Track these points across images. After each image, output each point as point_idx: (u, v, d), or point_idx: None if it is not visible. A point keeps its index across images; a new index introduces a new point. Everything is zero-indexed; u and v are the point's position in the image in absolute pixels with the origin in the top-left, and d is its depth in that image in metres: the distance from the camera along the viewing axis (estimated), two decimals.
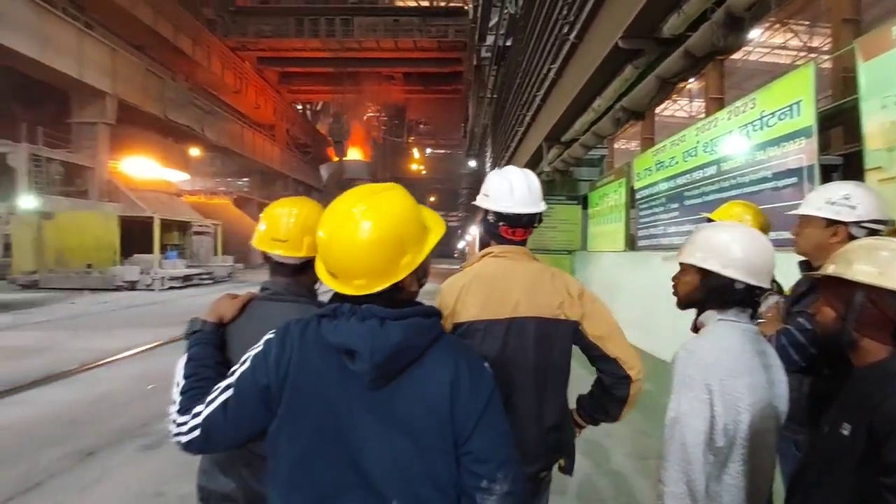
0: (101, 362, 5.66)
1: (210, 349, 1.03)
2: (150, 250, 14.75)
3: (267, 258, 1.20)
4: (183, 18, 23.89)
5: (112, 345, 6.50)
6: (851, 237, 1.38)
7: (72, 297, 11.86)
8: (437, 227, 0.92)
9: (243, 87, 30.27)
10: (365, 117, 46.38)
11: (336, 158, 42.23)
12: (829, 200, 1.43)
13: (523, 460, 1.11)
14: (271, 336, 0.90)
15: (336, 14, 31.59)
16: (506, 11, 11.68)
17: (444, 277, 1.42)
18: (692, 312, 1.24)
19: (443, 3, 35.09)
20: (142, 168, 22.17)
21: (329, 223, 0.85)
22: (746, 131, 4.10)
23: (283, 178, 35.79)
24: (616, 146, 18.84)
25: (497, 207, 1.39)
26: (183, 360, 1.00)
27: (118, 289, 13.54)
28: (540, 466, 1.33)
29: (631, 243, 6.76)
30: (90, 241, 14.03)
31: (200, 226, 19.13)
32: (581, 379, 1.41)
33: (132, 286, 13.68)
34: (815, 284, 1.47)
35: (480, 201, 1.44)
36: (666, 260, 1.37)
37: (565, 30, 5.46)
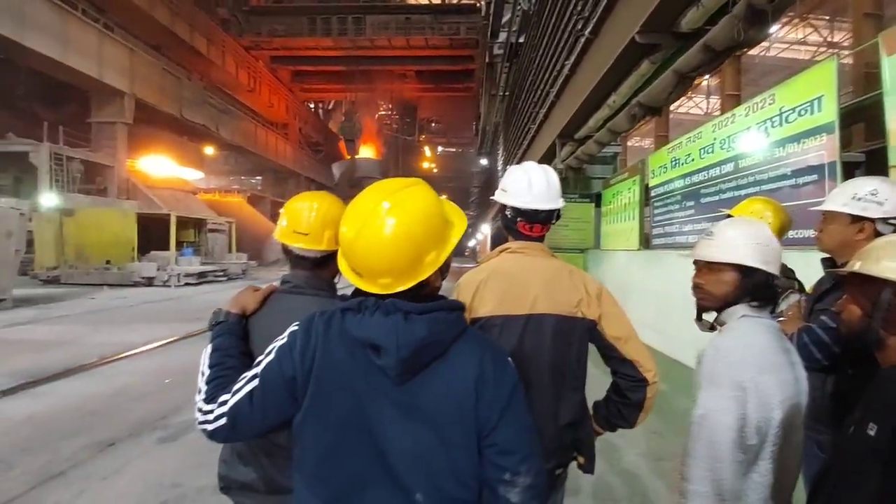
0: (120, 356, 5.78)
1: (234, 340, 1.05)
2: (166, 247, 15.01)
3: (287, 252, 1.21)
4: (198, 19, 24.20)
5: (130, 339, 6.63)
6: (877, 234, 1.35)
7: (91, 293, 12.13)
8: (459, 221, 0.91)
9: (257, 86, 30.58)
10: (376, 116, 46.53)
11: (348, 157, 42.45)
12: (856, 196, 1.40)
13: None
14: (296, 328, 0.90)
15: (348, 13, 31.74)
16: (519, 8, 11.62)
17: (456, 276, 1.42)
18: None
19: (454, 1, 35.03)
20: (158, 166, 22.59)
21: (353, 220, 0.84)
22: (765, 127, 4.03)
23: (295, 177, 36.11)
24: (629, 144, 18.64)
25: (515, 203, 1.38)
26: (208, 349, 1.02)
27: (136, 285, 13.80)
28: (555, 463, 1.33)
29: (645, 242, 6.69)
30: (109, 237, 14.32)
31: (215, 223, 19.39)
32: (594, 378, 1.40)
33: (149, 282, 13.93)
34: (840, 282, 1.44)
35: (498, 196, 1.44)
36: (685, 258, 1.35)
37: (579, 25, 5.40)
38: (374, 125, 45.28)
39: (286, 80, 35.22)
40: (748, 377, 1.00)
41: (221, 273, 17.07)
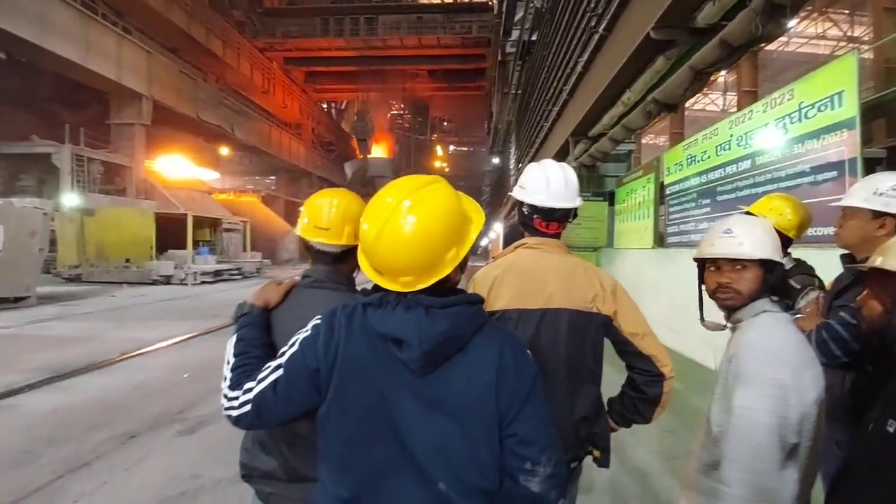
0: (140, 352, 5.91)
1: (258, 331, 1.08)
2: (183, 246, 15.28)
3: (308, 248, 1.24)
4: (214, 21, 24.56)
5: (150, 335, 6.78)
6: None
7: (111, 290, 12.41)
8: (477, 217, 0.93)
9: (271, 87, 30.93)
10: (388, 115, 46.70)
11: (360, 156, 42.69)
12: (877, 191, 1.39)
13: None
14: (319, 321, 0.93)
15: (361, 13, 31.90)
16: (531, 5, 11.57)
17: (467, 275, 1.44)
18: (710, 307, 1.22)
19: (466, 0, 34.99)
20: (175, 167, 23.00)
21: (374, 219, 0.85)
22: (783, 124, 3.97)
23: (308, 177, 36.42)
24: (643, 141, 18.43)
25: (532, 200, 1.40)
26: (233, 339, 1.05)
27: (154, 283, 14.08)
28: (570, 456, 1.33)
29: (660, 240, 6.62)
30: (128, 236, 14.63)
31: (230, 223, 19.68)
32: (606, 375, 1.41)
33: (167, 280, 14.19)
34: (860, 278, 1.43)
35: (516, 193, 1.45)
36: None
37: (593, 22, 5.37)
38: (386, 125, 45.46)
39: (299, 80, 35.54)
40: (787, 374, 0.99)
41: (236, 271, 17.32)
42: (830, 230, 2.10)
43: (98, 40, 17.00)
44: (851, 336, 1.34)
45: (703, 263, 1.23)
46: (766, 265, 1.12)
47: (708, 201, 5.37)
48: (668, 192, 6.42)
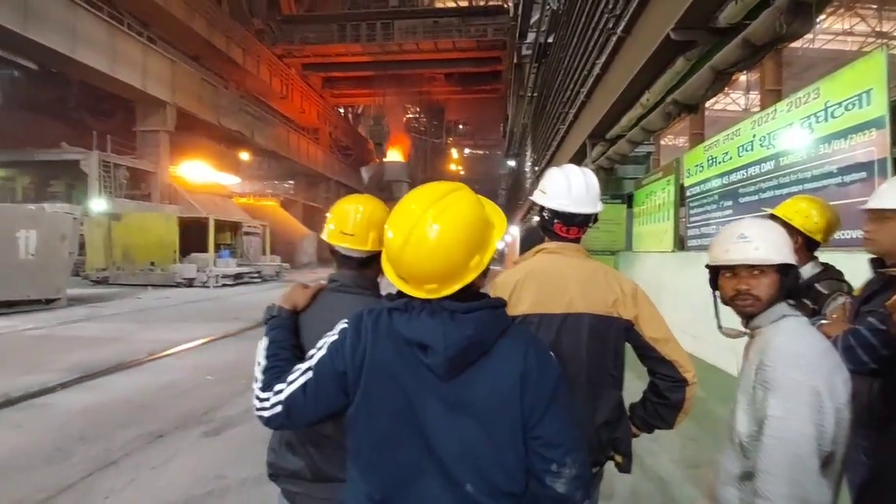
0: (166, 353, 6.07)
1: (286, 333, 1.11)
2: (205, 249, 15.62)
3: (334, 253, 1.27)
4: (235, 30, 25.12)
5: (174, 337, 6.96)
6: None
7: (137, 293, 12.77)
8: (500, 222, 0.94)
9: (289, 92, 31.45)
10: (404, 119, 47.00)
11: (376, 160, 43.06)
12: None
13: None
14: (345, 325, 0.95)
15: (377, 18, 32.21)
16: (548, 8, 11.53)
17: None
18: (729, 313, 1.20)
19: (482, 3, 35.02)
20: (198, 172, 23.59)
21: (398, 228, 0.86)
22: (809, 123, 3.88)
23: (325, 181, 36.88)
24: (662, 142, 18.14)
25: (553, 205, 1.41)
26: (263, 342, 1.08)
27: (177, 285, 14.42)
28: (591, 461, 1.33)
29: (680, 243, 6.52)
30: (153, 240, 15.03)
31: (250, 226, 20.04)
32: (625, 381, 1.41)
33: (190, 283, 14.53)
34: (890, 283, 1.40)
35: (537, 197, 1.46)
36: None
37: (611, 24, 5.33)
38: (401, 129, 45.76)
39: (317, 86, 36.05)
40: (821, 380, 0.97)
41: (256, 274, 17.62)
42: (859, 233, 2.05)
43: (124, 50, 17.57)
44: (880, 342, 1.31)
45: (715, 269, 1.21)
46: (781, 269, 1.10)
47: (730, 203, 5.27)
48: (688, 194, 6.32)
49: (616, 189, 8.81)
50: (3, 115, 19.37)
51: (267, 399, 0.97)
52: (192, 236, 15.42)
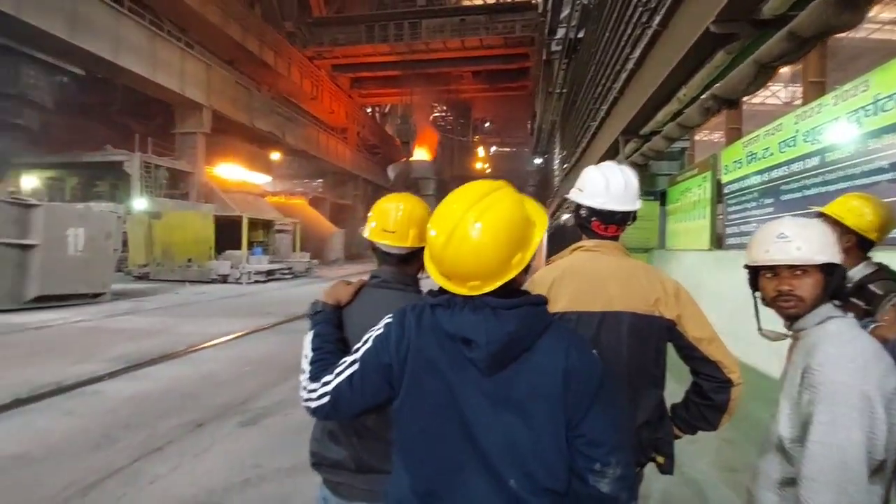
0: (204, 345, 6.31)
1: (331, 327, 1.15)
2: (239, 247, 16.10)
3: (375, 250, 1.30)
4: (267, 33, 25.77)
5: (211, 330, 7.22)
6: None
7: (176, 288, 13.30)
8: (541, 220, 0.94)
9: (319, 93, 32.05)
10: (431, 118, 47.16)
11: (403, 159, 43.40)
12: None
13: None
14: (390, 320, 0.98)
15: (404, 18, 32.41)
16: (578, 3, 11.34)
17: None
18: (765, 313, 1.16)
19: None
20: (231, 172, 24.35)
21: (441, 227, 0.87)
22: (857, 117, 3.69)
23: (353, 179, 37.42)
24: (696, 138, 17.56)
25: (590, 203, 1.39)
26: (310, 335, 1.12)
27: (213, 281, 14.93)
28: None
29: (717, 241, 6.32)
30: (191, 237, 15.61)
31: (281, 224, 20.52)
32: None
33: (224, 279, 15.01)
34: None
35: (573, 195, 1.45)
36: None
37: (645, 18, 5.20)
38: (428, 127, 45.95)
39: (345, 86, 36.60)
40: (872, 385, 0.93)
41: (287, 271, 18.04)
42: None
43: (164, 56, 18.32)
44: None
45: (755, 269, 1.17)
46: (826, 268, 1.06)
47: (771, 201, 5.08)
48: (726, 191, 6.12)
49: (649, 186, 8.60)
50: (53, 120, 20.51)
51: (315, 390, 1.00)
52: (227, 234, 15.92)
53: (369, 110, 45.39)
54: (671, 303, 1.31)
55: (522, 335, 0.86)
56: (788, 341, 1.17)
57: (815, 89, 7.21)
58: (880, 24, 16.46)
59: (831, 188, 4.02)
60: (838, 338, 1.01)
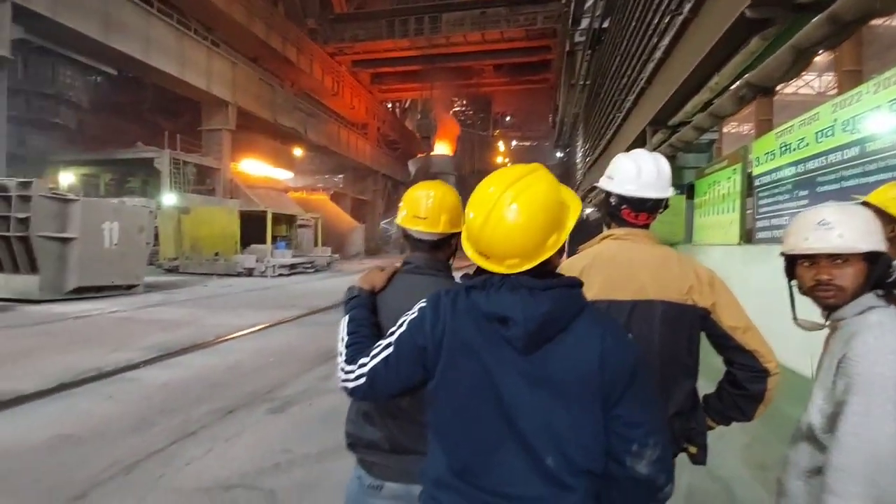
0: (231, 336, 6.49)
1: (366, 312, 1.17)
2: (263, 241, 16.46)
3: (407, 237, 1.32)
4: (290, 31, 26.12)
5: (238, 322, 7.42)
6: None
7: (203, 281, 13.70)
8: (574, 204, 0.95)
9: (340, 89, 32.35)
10: (451, 112, 47.05)
11: (423, 154, 43.48)
12: None
13: None
14: (424, 304, 0.99)
15: (425, 12, 32.35)
16: None
17: None
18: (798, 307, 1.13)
19: None
20: (256, 168, 24.85)
21: (479, 208, 0.90)
22: None
23: (373, 174, 37.70)
24: (724, 130, 17.01)
25: (620, 190, 1.38)
26: (345, 319, 1.15)
27: (239, 274, 15.31)
28: None
29: (747, 236, 6.14)
30: (217, 232, 16.04)
31: (303, 219, 20.86)
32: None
33: (249, 272, 15.37)
34: None
35: (603, 183, 1.44)
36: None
37: (674, 5, 5.06)
38: (449, 119, 45.86)
39: (366, 82, 36.83)
40: None
41: (310, 265, 18.34)
42: None
43: (192, 55, 18.78)
44: None
45: (791, 258, 1.14)
46: (868, 257, 1.02)
47: (805, 193, 4.90)
48: (757, 183, 5.93)
49: (676, 179, 8.29)
50: (88, 118, 21.30)
51: (352, 371, 1.03)
52: (252, 228, 16.28)
53: (389, 106, 45.58)
54: (705, 291, 1.29)
55: (557, 315, 0.88)
56: (824, 332, 1.15)
57: (851, 79, 6.90)
58: None
59: (871, 179, 3.86)
60: (879, 328, 0.98)
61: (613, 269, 1.34)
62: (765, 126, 8.38)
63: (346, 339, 1.10)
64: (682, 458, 1.39)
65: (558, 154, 30.38)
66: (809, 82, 23.25)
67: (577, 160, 20.16)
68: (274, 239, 17.38)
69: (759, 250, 5.60)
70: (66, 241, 8.85)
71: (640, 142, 7.53)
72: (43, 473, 2.73)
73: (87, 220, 9.09)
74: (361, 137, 35.50)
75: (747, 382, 1.26)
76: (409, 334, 0.98)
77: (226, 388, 4.35)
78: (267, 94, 23.95)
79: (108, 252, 9.58)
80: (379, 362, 1.00)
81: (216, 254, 15.92)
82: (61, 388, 4.17)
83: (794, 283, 1.16)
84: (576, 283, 0.93)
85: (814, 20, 2.89)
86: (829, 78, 21.49)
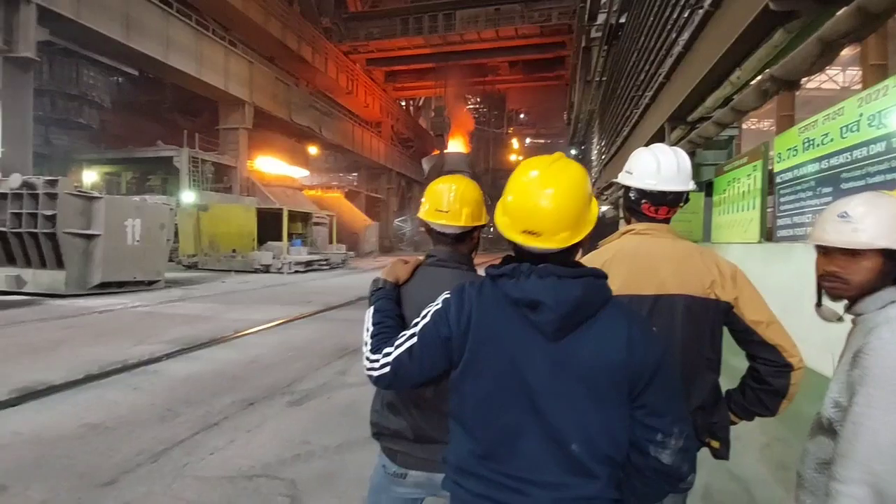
0: (250, 331, 6.61)
1: (391, 303, 1.20)
2: (279, 238, 16.68)
3: (429, 231, 1.34)
4: (305, 30, 26.35)
5: (256, 317, 7.55)
6: None
7: (222, 277, 13.94)
8: (594, 200, 1.00)
9: (354, 88, 32.53)
10: (465, 110, 46.96)
11: (437, 152, 43.51)
12: None
13: None
14: (448, 296, 1.02)
15: (438, 10, 32.32)
16: None
17: None
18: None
19: None
20: (272, 166, 25.16)
21: (525, 188, 0.94)
22: None
23: (387, 172, 37.86)
24: (744, 126, 16.67)
25: (640, 184, 1.39)
26: (371, 310, 1.18)
27: (256, 271, 15.54)
28: None
29: (767, 234, 6.03)
30: (235, 229, 16.30)
31: (318, 217, 21.07)
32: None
33: (266, 269, 15.60)
34: None
35: (622, 178, 1.45)
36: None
37: None
38: (462, 119, 45.78)
39: (380, 80, 36.96)
40: None
41: (325, 262, 18.54)
42: None
43: (209, 54, 19.09)
44: None
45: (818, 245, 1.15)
46: (888, 252, 1.01)
47: (829, 189, 4.79)
48: (778, 180, 5.81)
49: (694, 176, 8.22)
50: (110, 118, 21.83)
51: (377, 360, 1.06)
52: (268, 226, 16.51)
53: (403, 104, 45.68)
54: (728, 285, 1.29)
55: (588, 301, 0.90)
56: (846, 330, 1.14)
57: (878, 72, 6.72)
58: None
59: None
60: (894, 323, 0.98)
61: (635, 264, 1.34)
62: (786, 122, 8.20)
63: (371, 329, 1.13)
64: (701, 455, 1.39)
65: (573, 151, 30.05)
66: (833, 77, 22.66)
67: (593, 158, 19.96)
68: (290, 236, 17.58)
69: (780, 249, 5.50)
70: (90, 237, 9.10)
71: (658, 138, 7.42)
72: (74, 460, 2.84)
73: (111, 218, 9.33)
74: (375, 135, 35.67)
75: (770, 377, 1.26)
76: (433, 325, 1.00)
77: (246, 381, 4.44)
78: (282, 93, 24.22)
79: (131, 248, 9.82)
80: (403, 352, 1.03)
81: (233, 250, 16.18)
82: (89, 379, 4.31)
83: None
84: (602, 275, 0.95)
85: (841, 11, 2.82)
86: (853, 73, 20.90)
